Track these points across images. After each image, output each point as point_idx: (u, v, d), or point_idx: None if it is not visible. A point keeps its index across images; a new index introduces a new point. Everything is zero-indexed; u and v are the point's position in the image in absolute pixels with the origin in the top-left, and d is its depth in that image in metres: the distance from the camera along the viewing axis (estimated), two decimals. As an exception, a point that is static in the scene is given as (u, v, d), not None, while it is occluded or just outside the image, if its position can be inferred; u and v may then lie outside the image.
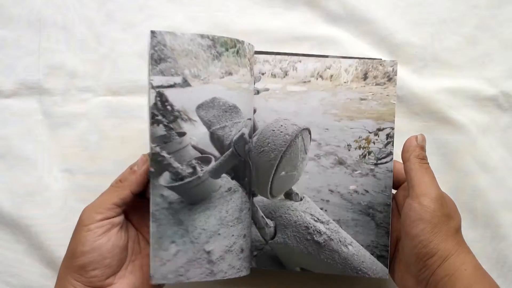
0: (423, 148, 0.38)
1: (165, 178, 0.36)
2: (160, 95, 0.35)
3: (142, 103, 0.50)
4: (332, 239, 0.40)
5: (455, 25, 0.50)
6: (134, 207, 0.39)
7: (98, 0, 0.51)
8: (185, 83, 0.36)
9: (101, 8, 0.51)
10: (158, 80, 0.35)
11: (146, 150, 0.49)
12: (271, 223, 0.41)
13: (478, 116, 0.49)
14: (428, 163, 0.38)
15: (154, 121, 0.36)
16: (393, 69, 0.41)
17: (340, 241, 0.40)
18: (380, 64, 0.41)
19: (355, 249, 0.40)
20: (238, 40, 0.39)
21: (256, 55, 0.41)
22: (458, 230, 0.36)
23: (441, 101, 0.49)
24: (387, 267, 0.40)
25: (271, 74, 0.41)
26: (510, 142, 0.49)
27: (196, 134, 0.37)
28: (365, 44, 0.50)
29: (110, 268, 0.35)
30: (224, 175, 0.38)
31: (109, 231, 0.36)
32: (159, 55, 0.35)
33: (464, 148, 0.48)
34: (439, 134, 0.49)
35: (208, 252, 0.37)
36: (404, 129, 0.49)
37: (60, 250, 0.47)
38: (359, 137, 0.41)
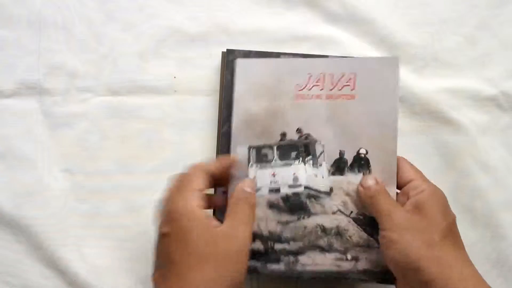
0: (370, 189, 0.39)
1: None
2: None
3: (142, 103, 0.50)
4: None
5: (455, 25, 0.50)
6: None
7: (98, 0, 0.51)
8: None
9: (101, 8, 0.51)
10: None
11: (146, 149, 0.49)
12: None
13: (478, 116, 0.49)
14: (378, 192, 0.39)
15: None
16: None
17: None
18: None
19: None
20: None
21: None
22: (440, 239, 0.35)
23: (441, 101, 0.49)
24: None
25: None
26: (510, 142, 0.49)
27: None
28: (365, 44, 0.50)
29: None
30: None
31: None
32: None
33: (464, 148, 0.48)
34: (439, 134, 0.49)
35: None
36: (404, 129, 0.49)
37: (60, 250, 0.47)
38: None
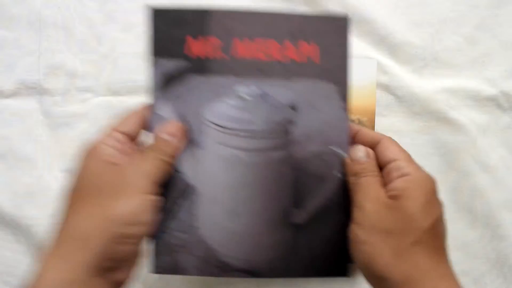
0: (358, 162, 0.34)
1: None
2: None
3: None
4: None
5: (455, 25, 0.50)
6: None
7: (98, 0, 0.51)
8: None
9: (101, 8, 0.51)
10: None
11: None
12: None
13: (478, 116, 0.49)
14: (365, 175, 0.33)
15: None
16: None
17: None
18: None
19: None
20: None
21: None
22: (413, 245, 0.30)
23: (441, 101, 0.49)
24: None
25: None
26: (510, 142, 0.49)
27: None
28: (365, 44, 0.50)
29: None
30: None
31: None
32: None
33: (464, 148, 0.48)
34: (439, 134, 0.49)
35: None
36: (404, 129, 0.49)
37: (60, 250, 0.47)
38: None
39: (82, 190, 0.31)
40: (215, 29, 0.36)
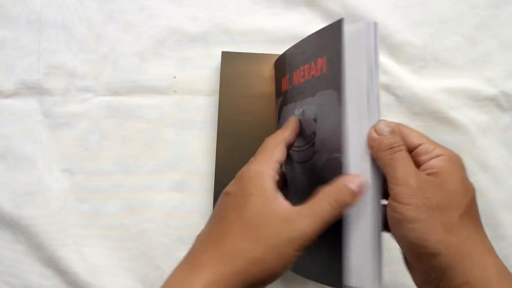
0: (387, 137, 0.32)
1: None
2: None
3: (142, 103, 0.50)
4: None
5: (455, 25, 0.50)
6: None
7: (98, 0, 0.51)
8: None
9: (101, 8, 0.51)
10: None
11: (145, 149, 0.49)
12: None
13: (478, 116, 0.49)
14: (400, 149, 0.32)
15: None
16: None
17: None
18: None
19: None
20: None
21: None
22: (460, 219, 0.30)
23: (441, 101, 0.49)
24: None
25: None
26: (510, 142, 0.49)
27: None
28: (365, 44, 0.50)
29: None
30: None
31: None
32: None
33: (464, 148, 0.48)
34: (439, 134, 0.49)
35: None
36: (404, 129, 0.49)
37: (60, 250, 0.47)
38: None
39: (240, 215, 0.31)
40: (287, 67, 0.43)
